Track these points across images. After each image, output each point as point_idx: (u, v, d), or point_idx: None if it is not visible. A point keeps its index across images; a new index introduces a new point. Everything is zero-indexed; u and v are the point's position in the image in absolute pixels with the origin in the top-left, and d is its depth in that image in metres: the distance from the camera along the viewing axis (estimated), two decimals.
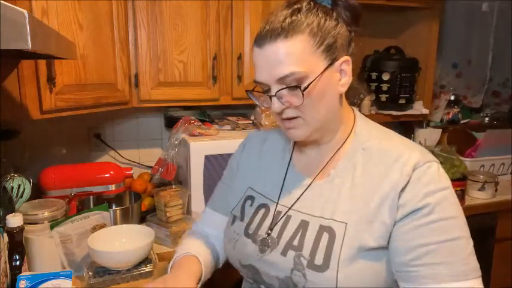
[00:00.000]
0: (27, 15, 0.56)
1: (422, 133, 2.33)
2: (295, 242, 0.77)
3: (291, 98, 0.73)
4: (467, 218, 0.75)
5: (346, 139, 0.81)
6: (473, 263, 0.71)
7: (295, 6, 0.74)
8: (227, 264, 0.97)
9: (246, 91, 0.82)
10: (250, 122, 1.82)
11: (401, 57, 2.16)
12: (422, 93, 2.23)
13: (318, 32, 0.71)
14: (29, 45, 0.57)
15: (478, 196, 1.99)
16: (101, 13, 1.43)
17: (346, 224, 0.73)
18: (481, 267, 0.72)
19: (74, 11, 1.32)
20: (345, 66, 0.76)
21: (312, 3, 0.74)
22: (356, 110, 0.86)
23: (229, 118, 1.89)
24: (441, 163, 2.30)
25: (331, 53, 0.73)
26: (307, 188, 0.82)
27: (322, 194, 0.79)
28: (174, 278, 0.86)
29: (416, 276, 0.70)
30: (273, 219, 0.82)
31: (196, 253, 0.94)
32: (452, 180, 2.28)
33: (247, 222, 0.86)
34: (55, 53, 0.82)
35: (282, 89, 0.72)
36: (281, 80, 0.72)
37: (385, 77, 2.11)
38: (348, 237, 0.72)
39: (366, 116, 0.86)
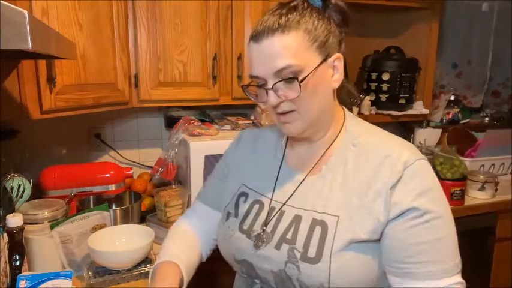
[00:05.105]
0: (27, 15, 0.56)
1: (422, 133, 2.32)
2: (289, 236, 0.79)
3: (287, 91, 0.75)
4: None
5: (336, 136, 0.84)
6: (457, 257, 0.75)
7: (291, 4, 0.77)
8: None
9: (242, 86, 0.84)
10: (250, 122, 1.82)
11: (401, 57, 2.16)
12: (422, 93, 2.23)
13: (312, 30, 0.75)
14: (29, 45, 0.57)
15: (478, 196, 1.98)
16: (101, 13, 1.43)
17: (338, 217, 0.76)
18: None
19: (74, 11, 1.32)
20: (337, 62, 0.79)
21: (305, 4, 0.78)
22: (346, 109, 0.89)
23: (229, 118, 1.89)
24: (441, 163, 2.29)
25: (325, 49, 0.76)
26: (300, 184, 0.84)
27: (315, 189, 0.81)
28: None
29: (408, 273, 0.73)
30: (267, 215, 0.84)
31: (179, 260, 0.90)
32: (452, 180, 2.26)
33: (242, 218, 0.87)
34: (55, 53, 0.82)
35: (278, 81, 0.74)
36: (278, 73, 0.74)
37: (385, 77, 2.11)
38: (339, 230, 0.74)
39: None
